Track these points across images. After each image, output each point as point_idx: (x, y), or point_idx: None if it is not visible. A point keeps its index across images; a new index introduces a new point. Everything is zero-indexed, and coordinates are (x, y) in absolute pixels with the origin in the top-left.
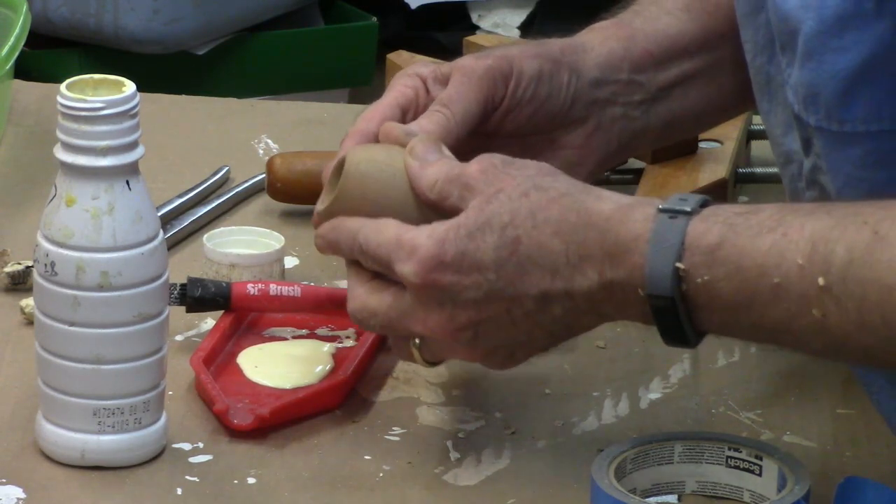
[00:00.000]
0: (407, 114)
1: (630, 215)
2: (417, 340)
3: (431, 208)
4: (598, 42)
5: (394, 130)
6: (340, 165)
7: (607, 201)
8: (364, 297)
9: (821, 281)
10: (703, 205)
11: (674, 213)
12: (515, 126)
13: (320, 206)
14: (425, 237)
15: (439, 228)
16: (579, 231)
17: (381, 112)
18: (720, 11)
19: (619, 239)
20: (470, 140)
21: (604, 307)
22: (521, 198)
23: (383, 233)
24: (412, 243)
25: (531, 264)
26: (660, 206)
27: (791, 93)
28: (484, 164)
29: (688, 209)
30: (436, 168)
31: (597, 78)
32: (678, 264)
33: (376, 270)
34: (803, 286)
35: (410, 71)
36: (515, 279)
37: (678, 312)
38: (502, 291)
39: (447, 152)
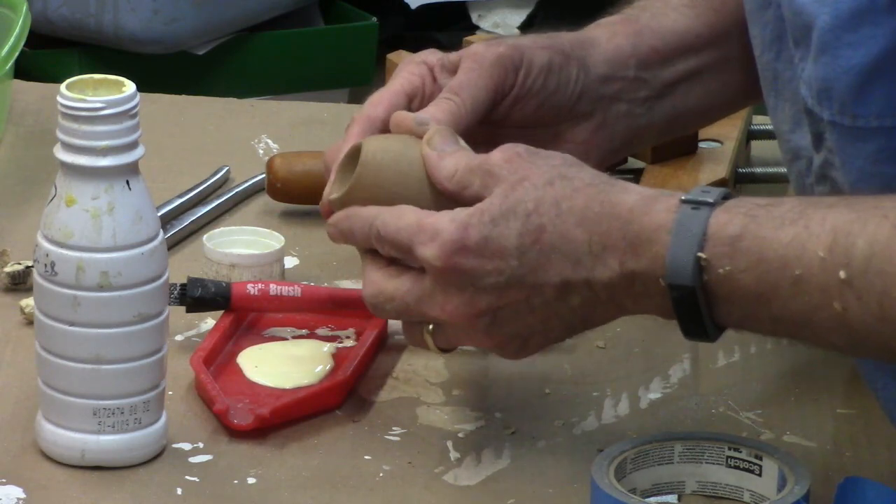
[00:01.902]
0: (413, 101)
1: (653, 206)
2: (430, 327)
3: (448, 198)
4: (605, 38)
5: (406, 120)
6: (352, 154)
7: (631, 193)
8: (381, 281)
9: (842, 274)
10: (726, 197)
11: (696, 204)
12: (522, 116)
13: (333, 194)
14: (448, 221)
15: (462, 213)
16: (602, 221)
17: (388, 99)
18: (725, 8)
19: (642, 229)
20: (476, 129)
21: (623, 298)
22: (546, 186)
23: (403, 218)
24: (434, 227)
25: (554, 253)
26: (682, 198)
27: (804, 87)
28: (508, 153)
29: (710, 200)
30: (454, 158)
31: (604, 74)
32: (700, 254)
33: (393, 256)
34: (824, 279)
35: (417, 58)
36: (537, 267)
37: (699, 303)
38: (524, 279)
39: (464, 144)
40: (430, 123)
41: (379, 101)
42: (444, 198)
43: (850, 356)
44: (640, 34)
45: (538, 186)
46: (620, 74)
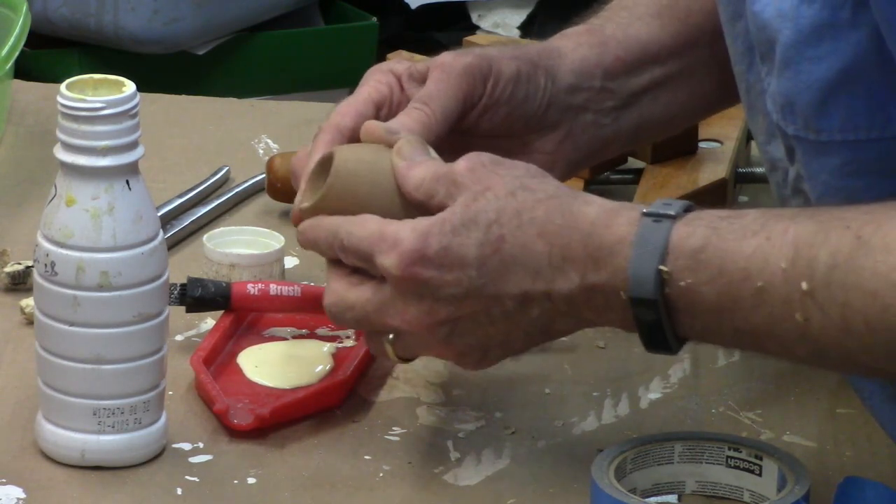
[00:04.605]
0: (381, 110)
1: (614, 219)
2: (391, 336)
3: (417, 208)
4: (571, 48)
5: (377, 129)
6: (324, 163)
7: (593, 205)
8: (341, 290)
9: (804, 285)
10: (688, 209)
11: (658, 216)
12: (491, 126)
13: (304, 203)
14: (409, 230)
15: (423, 222)
16: (563, 233)
17: (356, 108)
18: (691, 18)
19: (603, 242)
20: (446, 138)
21: (583, 311)
22: (508, 197)
23: (365, 227)
24: (395, 236)
25: (513, 264)
26: (644, 211)
27: (770, 102)
28: (472, 163)
29: (672, 213)
30: (423, 168)
31: (571, 84)
32: (661, 267)
33: (356, 266)
34: (786, 290)
35: (385, 67)
36: (497, 278)
37: (660, 316)
38: (483, 289)
39: (434, 154)
40: (401, 133)
41: (347, 110)
42: (413, 207)
43: (814, 368)
44: (605, 44)
45: (500, 197)
46: (587, 84)
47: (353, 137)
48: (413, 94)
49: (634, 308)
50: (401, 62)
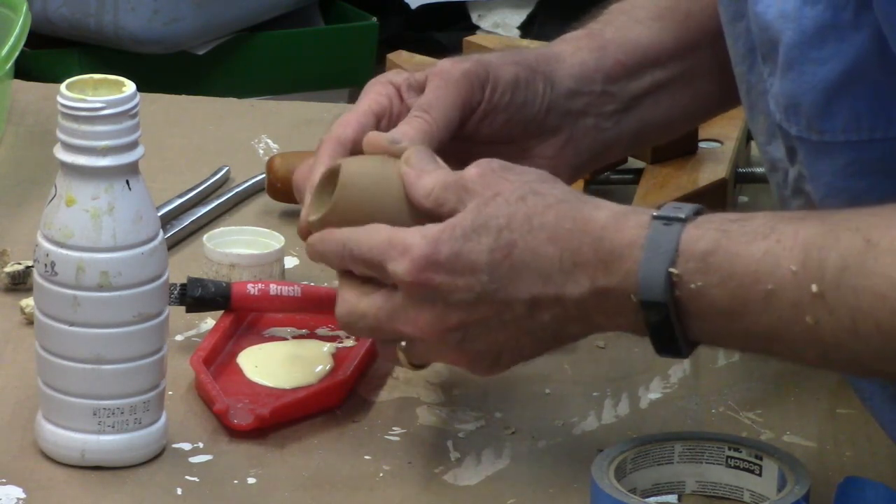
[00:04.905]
0: (381, 121)
1: (625, 223)
2: (404, 343)
3: (426, 217)
4: (569, 53)
5: (379, 140)
6: (330, 175)
7: (603, 209)
8: (353, 300)
9: (814, 288)
10: (698, 213)
11: (668, 220)
12: (491, 132)
13: (311, 216)
14: (419, 237)
15: (433, 228)
16: (574, 238)
17: (357, 120)
18: (691, 20)
19: (614, 246)
20: (447, 145)
21: (594, 315)
22: (518, 202)
23: (374, 236)
24: (405, 242)
25: (524, 269)
26: (654, 214)
27: (772, 102)
28: (482, 169)
29: (682, 216)
30: (432, 176)
31: (571, 89)
32: (672, 269)
33: (367, 276)
34: (797, 293)
35: (384, 79)
36: (508, 283)
37: (670, 319)
38: (494, 294)
39: (441, 162)
40: (405, 142)
41: (348, 122)
42: (422, 217)
43: (822, 370)
44: (605, 48)
45: (510, 202)
46: (587, 89)
47: (355, 149)
48: (413, 104)
49: (645, 311)
50: (399, 73)
